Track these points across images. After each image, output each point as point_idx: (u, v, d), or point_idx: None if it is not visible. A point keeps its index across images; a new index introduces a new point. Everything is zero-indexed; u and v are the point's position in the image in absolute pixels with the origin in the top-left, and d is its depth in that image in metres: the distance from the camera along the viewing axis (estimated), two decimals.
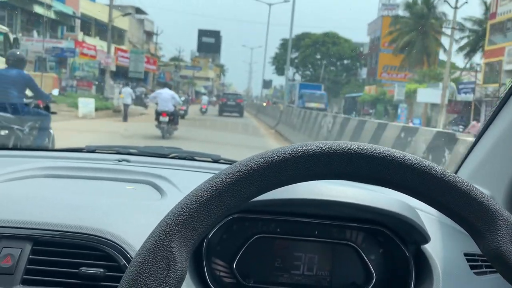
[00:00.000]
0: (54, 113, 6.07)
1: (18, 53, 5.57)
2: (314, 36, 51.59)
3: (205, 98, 30.86)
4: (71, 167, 1.31)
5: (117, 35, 36.44)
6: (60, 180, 1.24)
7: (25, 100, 5.30)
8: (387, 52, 42.05)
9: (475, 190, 0.52)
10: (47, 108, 5.70)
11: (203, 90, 64.45)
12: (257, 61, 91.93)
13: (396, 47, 35.31)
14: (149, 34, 43.94)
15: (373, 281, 0.95)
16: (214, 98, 46.75)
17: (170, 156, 1.65)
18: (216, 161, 1.62)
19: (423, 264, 0.94)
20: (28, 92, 5.38)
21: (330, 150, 0.52)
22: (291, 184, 0.53)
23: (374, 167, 0.52)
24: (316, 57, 49.61)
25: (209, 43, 63.65)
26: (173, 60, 58.97)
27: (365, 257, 0.95)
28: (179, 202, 0.51)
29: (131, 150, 1.65)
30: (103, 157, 1.55)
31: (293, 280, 0.96)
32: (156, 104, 10.92)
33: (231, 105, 28.76)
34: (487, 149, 1.06)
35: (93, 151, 1.63)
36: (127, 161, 1.49)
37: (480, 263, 0.96)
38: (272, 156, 0.52)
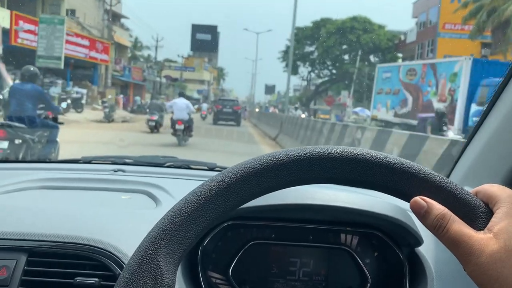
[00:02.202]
0: (61, 123, 7.01)
1: (31, 69, 6.55)
2: (338, 22, 37.87)
3: (204, 106, 30.79)
4: (66, 178, 1.41)
5: (50, 5, 21.97)
6: (55, 191, 1.34)
7: (37, 112, 6.49)
8: (451, 37, 27.33)
9: (455, 186, 0.56)
10: (54, 119, 6.77)
11: (195, 95, 50.27)
12: (263, 57, 78.36)
13: (477, 25, 20.74)
14: (114, 16, 29.37)
15: (369, 284, 1.04)
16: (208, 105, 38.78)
17: (166, 165, 1.73)
18: (211, 169, 1.70)
19: (417, 267, 1.04)
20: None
21: (310, 155, 0.56)
22: (276, 190, 0.58)
23: (355, 169, 0.57)
24: (341, 49, 35.85)
25: (205, 40, 55.03)
26: (168, 61, 50.31)
27: (360, 261, 1.05)
28: (164, 216, 0.55)
29: (127, 160, 1.73)
30: (99, 168, 1.64)
31: (289, 285, 1.06)
32: (172, 113, 12.50)
33: (227, 113, 25.68)
34: (478, 150, 1.14)
35: (89, 162, 1.72)
36: (123, 171, 1.57)
37: None
38: (255, 164, 0.56)
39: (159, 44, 46.62)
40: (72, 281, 0.92)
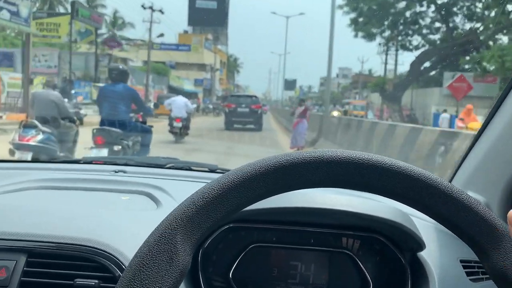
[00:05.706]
0: (151, 126, 6.65)
1: (120, 67, 6.40)
2: None
3: (185, 104, 25.62)
4: (66, 179, 1.42)
5: None
6: (55, 191, 1.35)
7: (130, 115, 6.34)
8: None
9: (483, 208, 0.57)
10: (143, 122, 6.42)
11: (187, 88, 36.49)
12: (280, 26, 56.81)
13: None
14: None
15: None
16: (210, 101, 29.45)
17: (167, 166, 1.73)
18: (213, 170, 1.71)
19: (419, 271, 1.05)
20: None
21: (314, 158, 0.58)
22: (288, 191, 0.60)
23: (353, 173, 0.58)
24: None
25: (209, 9, 39.61)
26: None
27: (361, 265, 1.06)
28: (186, 199, 0.58)
29: (128, 161, 1.74)
30: (100, 168, 1.63)
31: None
32: (170, 110, 12.76)
33: (243, 113, 19.88)
34: (481, 155, 1.14)
35: (90, 163, 1.72)
36: (124, 172, 1.57)
37: (476, 269, 1.07)
38: (280, 160, 0.58)
39: None
40: (72, 282, 0.92)
